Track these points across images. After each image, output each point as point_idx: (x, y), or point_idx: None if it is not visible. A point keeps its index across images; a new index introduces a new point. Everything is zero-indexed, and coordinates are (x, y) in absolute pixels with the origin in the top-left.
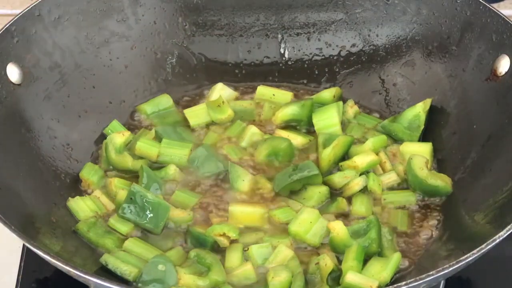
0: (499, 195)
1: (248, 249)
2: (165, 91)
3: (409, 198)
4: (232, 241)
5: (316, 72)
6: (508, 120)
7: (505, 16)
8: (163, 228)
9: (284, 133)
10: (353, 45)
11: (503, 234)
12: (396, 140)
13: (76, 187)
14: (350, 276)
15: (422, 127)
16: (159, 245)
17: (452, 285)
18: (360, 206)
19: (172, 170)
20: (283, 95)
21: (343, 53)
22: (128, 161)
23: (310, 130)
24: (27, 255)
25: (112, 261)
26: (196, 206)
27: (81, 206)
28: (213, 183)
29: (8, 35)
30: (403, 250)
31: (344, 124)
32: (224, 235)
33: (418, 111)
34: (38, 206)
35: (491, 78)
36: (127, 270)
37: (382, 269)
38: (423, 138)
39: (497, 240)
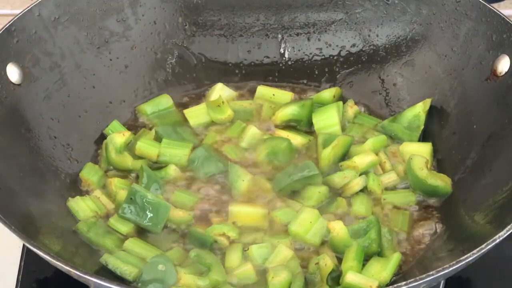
0: (499, 195)
1: (248, 249)
2: (165, 91)
3: (409, 198)
4: (232, 241)
5: (316, 72)
6: (508, 120)
7: (505, 16)
8: (163, 228)
9: (284, 133)
10: (353, 45)
11: (503, 234)
12: (396, 140)
13: (76, 187)
14: (350, 276)
15: (422, 127)
16: (159, 245)
17: (452, 285)
18: (360, 206)
19: (172, 170)
20: (283, 95)
21: (343, 53)
22: (128, 161)
23: (310, 130)
24: (27, 255)
25: (112, 261)
26: (196, 206)
27: (81, 206)
28: (213, 183)
29: (8, 35)
30: (402, 250)
31: (344, 124)
32: (224, 235)
33: (418, 111)
34: (38, 206)
35: (491, 78)
36: (127, 270)
37: (382, 269)
38: (423, 138)
39: (497, 240)
